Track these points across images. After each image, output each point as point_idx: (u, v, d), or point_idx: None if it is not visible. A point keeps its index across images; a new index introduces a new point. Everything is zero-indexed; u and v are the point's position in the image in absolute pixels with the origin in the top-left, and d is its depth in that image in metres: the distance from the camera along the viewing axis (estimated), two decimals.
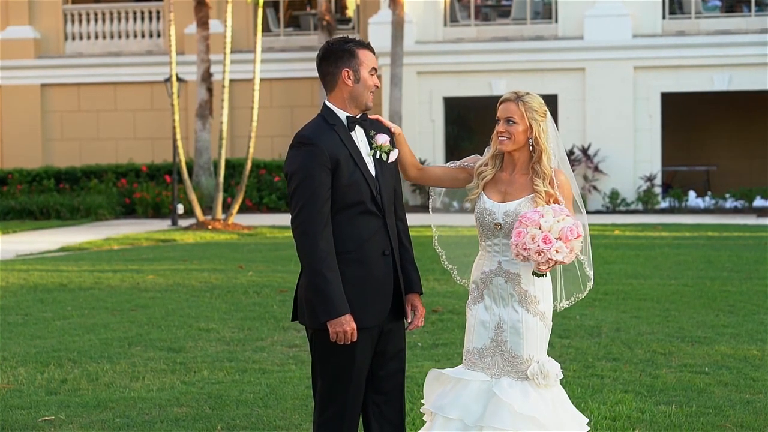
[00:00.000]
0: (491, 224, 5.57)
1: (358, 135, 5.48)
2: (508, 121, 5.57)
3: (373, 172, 5.44)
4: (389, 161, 5.52)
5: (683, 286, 14.01)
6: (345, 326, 5.26)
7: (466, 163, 5.79)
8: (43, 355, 10.07)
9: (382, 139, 5.50)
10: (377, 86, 5.51)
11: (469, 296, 5.73)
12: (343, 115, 5.44)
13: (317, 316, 5.32)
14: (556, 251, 5.31)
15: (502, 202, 5.57)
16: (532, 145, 5.58)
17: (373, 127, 5.54)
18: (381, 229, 5.45)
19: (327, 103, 5.47)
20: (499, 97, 5.73)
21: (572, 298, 5.86)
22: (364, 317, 5.36)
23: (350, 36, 5.57)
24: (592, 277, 5.80)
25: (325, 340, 5.36)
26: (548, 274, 5.59)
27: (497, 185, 5.64)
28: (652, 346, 10.04)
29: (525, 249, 5.33)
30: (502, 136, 5.58)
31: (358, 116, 5.48)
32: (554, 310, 5.81)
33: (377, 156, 5.48)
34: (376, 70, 5.49)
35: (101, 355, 10.03)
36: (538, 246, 5.30)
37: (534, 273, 5.49)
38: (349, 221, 5.36)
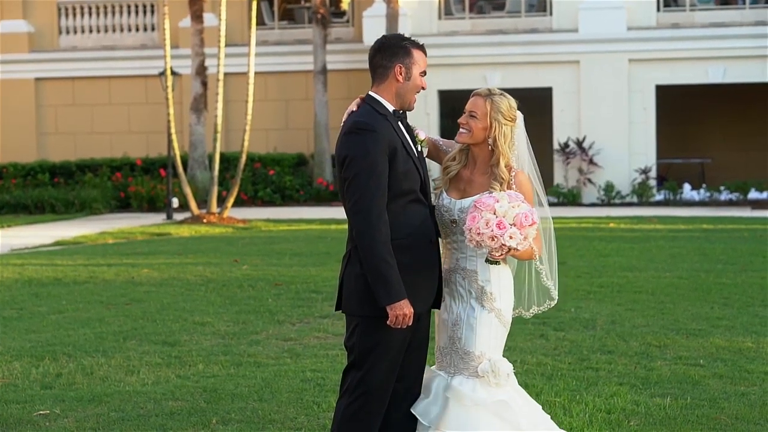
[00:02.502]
0: (448, 221, 5.59)
1: (403, 129, 5.56)
2: (471, 114, 5.57)
3: (419, 163, 5.54)
4: (425, 155, 5.67)
5: (678, 278, 14.02)
6: (405, 309, 5.32)
7: (443, 145, 5.79)
8: (38, 349, 10.06)
9: (423, 134, 5.65)
10: (424, 88, 5.58)
11: None
12: (390, 107, 5.51)
13: (369, 301, 5.37)
14: (510, 237, 5.28)
15: (459, 199, 5.58)
16: (492, 146, 5.56)
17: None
18: (428, 218, 5.55)
19: (373, 94, 5.53)
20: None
21: (544, 305, 5.85)
22: (414, 304, 5.41)
23: (406, 35, 5.63)
24: (553, 289, 5.78)
25: (371, 328, 5.42)
26: (504, 267, 5.56)
27: (458, 183, 5.65)
28: (647, 339, 10.05)
29: (478, 234, 5.30)
30: (462, 128, 5.59)
31: (401, 113, 5.56)
32: (524, 313, 5.81)
33: (419, 149, 5.60)
34: (425, 72, 5.55)
35: (96, 349, 10.02)
36: (492, 231, 5.27)
37: (487, 260, 5.45)
38: (402, 209, 5.42)
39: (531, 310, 5.86)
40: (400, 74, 5.49)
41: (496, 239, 5.28)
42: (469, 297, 5.56)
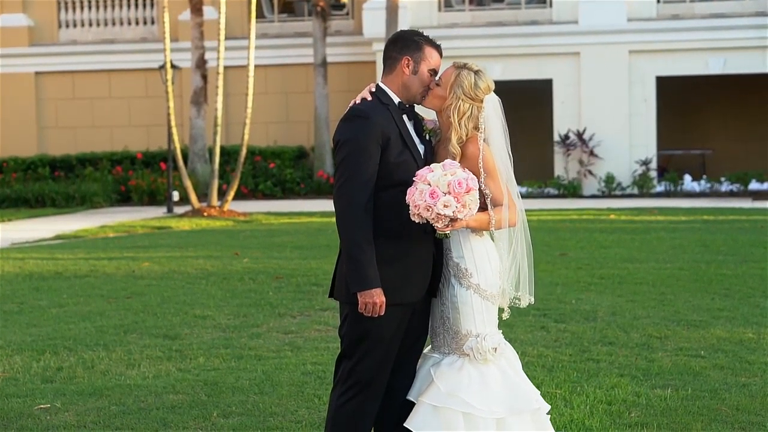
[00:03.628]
0: None
1: (406, 120, 5.57)
2: (437, 82, 5.56)
3: (422, 155, 5.54)
4: (434, 144, 5.67)
5: (679, 269, 14.02)
6: (375, 298, 5.31)
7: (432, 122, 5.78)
8: (38, 343, 10.06)
9: (432, 124, 5.67)
10: (431, 88, 5.58)
11: None
12: (395, 98, 5.54)
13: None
14: (444, 205, 5.16)
15: None
16: (448, 118, 5.51)
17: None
18: None
19: (381, 84, 5.58)
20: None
21: (516, 300, 5.75)
22: (404, 293, 5.42)
23: (423, 32, 5.67)
24: (524, 298, 5.69)
25: (361, 316, 5.40)
26: (478, 239, 5.50)
27: (432, 157, 5.62)
28: (648, 330, 10.04)
29: (415, 206, 5.23)
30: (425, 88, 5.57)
31: (407, 105, 5.57)
32: (522, 300, 5.71)
33: (428, 138, 5.62)
34: (436, 72, 5.58)
35: (97, 343, 10.02)
36: (425, 201, 5.18)
37: (437, 234, 5.35)
38: (394, 198, 5.41)
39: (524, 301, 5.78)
40: (407, 66, 5.52)
41: (430, 209, 5.19)
42: (449, 275, 5.52)
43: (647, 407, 7.47)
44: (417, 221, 5.30)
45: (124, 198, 30.11)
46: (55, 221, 24.76)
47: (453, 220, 5.24)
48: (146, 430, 7.19)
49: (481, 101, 5.52)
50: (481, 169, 5.45)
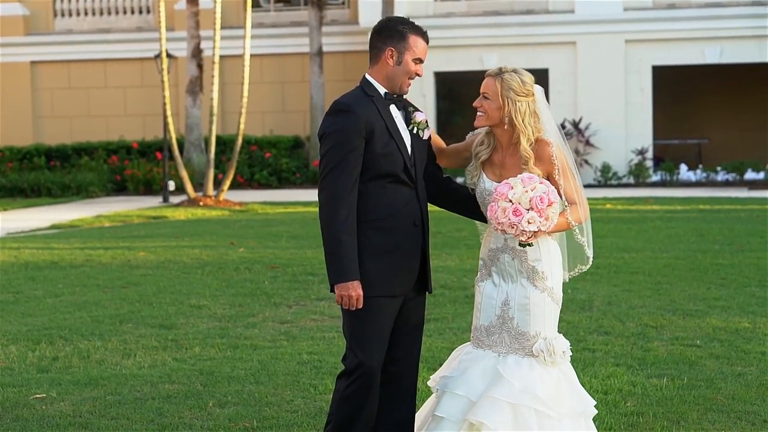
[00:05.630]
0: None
1: (394, 111, 5.54)
2: (484, 96, 5.53)
3: (408, 146, 5.51)
4: (424, 138, 5.61)
5: (675, 259, 14.03)
6: (351, 291, 5.33)
7: (447, 149, 5.80)
8: (34, 333, 10.06)
9: (421, 116, 5.61)
10: (418, 75, 5.56)
11: (478, 273, 5.71)
12: (381, 90, 5.51)
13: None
14: (529, 222, 5.22)
15: (498, 182, 5.52)
16: (508, 124, 5.49)
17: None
18: (413, 200, 5.53)
19: (367, 76, 5.55)
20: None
21: (575, 270, 5.84)
22: (392, 286, 5.43)
23: (409, 19, 5.62)
24: (591, 256, 5.79)
25: (357, 309, 5.39)
26: (552, 242, 5.55)
27: (493, 167, 5.59)
28: (644, 320, 10.05)
29: (499, 223, 5.27)
30: (479, 112, 5.56)
31: (394, 96, 5.54)
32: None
33: (414, 131, 5.57)
34: (422, 60, 5.54)
35: (92, 333, 10.02)
36: (509, 219, 5.22)
37: (520, 244, 5.41)
38: (381, 190, 5.42)
39: (574, 270, 5.83)
40: (391, 57, 5.48)
41: (515, 227, 5.23)
42: (520, 276, 5.51)
43: (643, 396, 7.48)
44: (500, 234, 5.38)
45: (120, 187, 30.10)
46: (50, 211, 24.74)
47: (534, 233, 5.28)
48: (142, 420, 7.19)
49: (533, 94, 5.53)
50: (557, 168, 5.49)
